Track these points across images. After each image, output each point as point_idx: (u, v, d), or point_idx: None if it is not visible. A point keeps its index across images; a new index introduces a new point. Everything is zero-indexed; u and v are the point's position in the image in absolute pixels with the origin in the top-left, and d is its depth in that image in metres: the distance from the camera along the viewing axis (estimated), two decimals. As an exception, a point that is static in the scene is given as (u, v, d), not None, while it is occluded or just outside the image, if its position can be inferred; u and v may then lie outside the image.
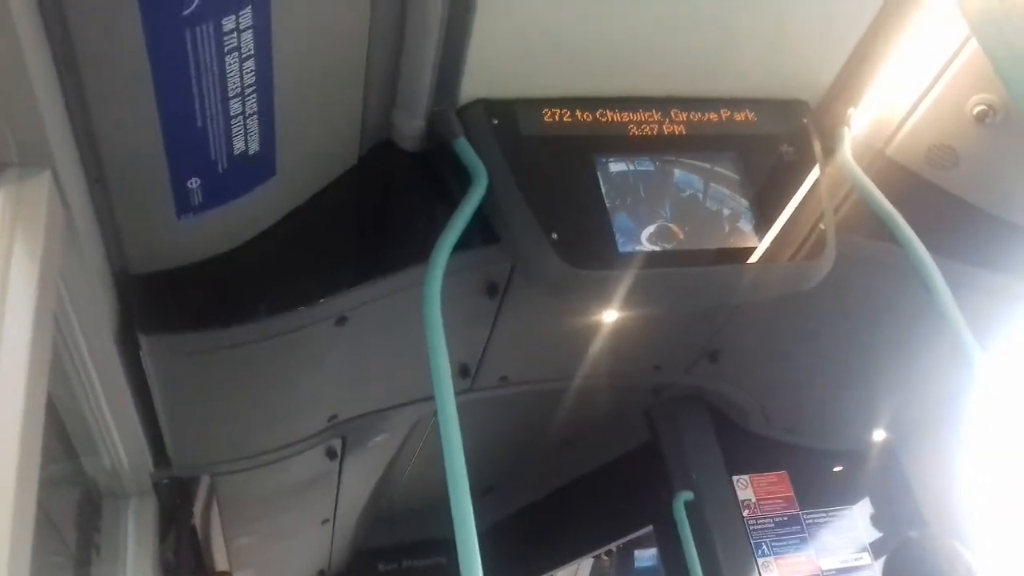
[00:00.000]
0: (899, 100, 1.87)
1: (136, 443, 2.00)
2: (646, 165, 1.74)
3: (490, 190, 1.61)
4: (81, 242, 1.40)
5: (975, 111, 1.81)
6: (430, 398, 1.46)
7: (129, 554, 2.20)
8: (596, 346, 2.36)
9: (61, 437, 1.88)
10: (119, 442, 1.94)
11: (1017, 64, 0.85)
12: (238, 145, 1.43)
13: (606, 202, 1.68)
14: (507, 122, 1.67)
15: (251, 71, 1.32)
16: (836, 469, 3.27)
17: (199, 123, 1.35)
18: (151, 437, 2.03)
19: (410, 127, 1.67)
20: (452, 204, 1.62)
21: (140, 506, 2.25)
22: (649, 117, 1.77)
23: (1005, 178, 1.95)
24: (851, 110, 1.86)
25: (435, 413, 1.45)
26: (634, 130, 1.75)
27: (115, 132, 1.32)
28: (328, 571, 4.05)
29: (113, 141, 1.34)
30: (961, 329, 1.65)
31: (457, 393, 1.45)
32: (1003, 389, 1.75)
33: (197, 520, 2.71)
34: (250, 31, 1.26)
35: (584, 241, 1.63)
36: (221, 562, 3.21)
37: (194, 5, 1.17)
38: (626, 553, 4.93)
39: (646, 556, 4.84)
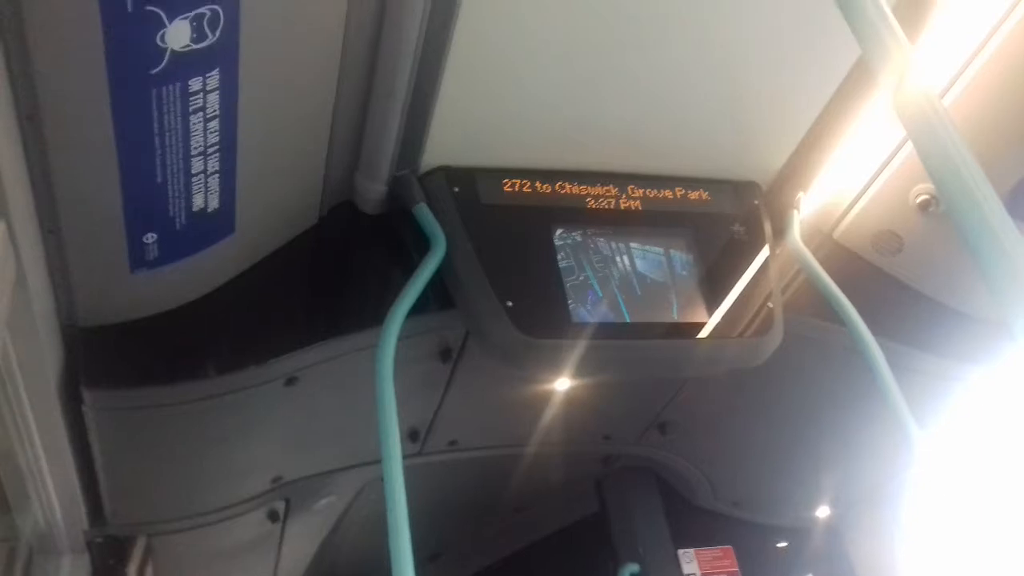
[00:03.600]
0: (846, 187, 1.94)
1: (72, 499, 1.95)
2: (602, 238, 1.78)
3: (448, 256, 1.63)
4: (30, 293, 1.38)
5: (918, 200, 1.88)
6: (378, 461, 1.44)
7: (59, 615, 2.12)
8: (547, 414, 2.37)
9: (-6, 492, 1.82)
10: (55, 498, 1.89)
11: (947, 165, 0.90)
12: (198, 202, 1.43)
13: (562, 272, 1.70)
14: (467, 190, 1.70)
15: (215, 131, 1.33)
16: (780, 545, 3.28)
17: (159, 179, 1.35)
18: (87, 493, 1.97)
19: (371, 191, 1.69)
20: (410, 268, 1.63)
21: (72, 565, 2.18)
22: (607, 192, 1.81)
23: (947, 265, 2.02)
24: (800, 194, 1.92)
25: (382, 477, 1.44)
26: (592, 203, 1.79)
27: (74, 186, 1.32)
28: (265, 637, 3.92)
29: (71, 194, 1.33)
30: (902, 409, 1.69)
31: (406, 457, 1.44)
32: (941, 469, 1.79)
33: (131, 581, 2.62)
34: (216, 92, 1.28)
35: (539, 310, 1.65)
36: (153, 625, 3.09)
37: (162, 65, 1.18)
38: (570, 625, 4.86)
39: (590, 628, 4.77)
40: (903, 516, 3.09)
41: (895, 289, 2.07)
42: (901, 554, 3.10)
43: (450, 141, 1.66)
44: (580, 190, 1.79)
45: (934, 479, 1.83)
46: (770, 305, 1.83)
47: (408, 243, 1.70)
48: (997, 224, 0.95)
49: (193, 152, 1.34)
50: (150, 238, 1.44)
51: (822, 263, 1.87)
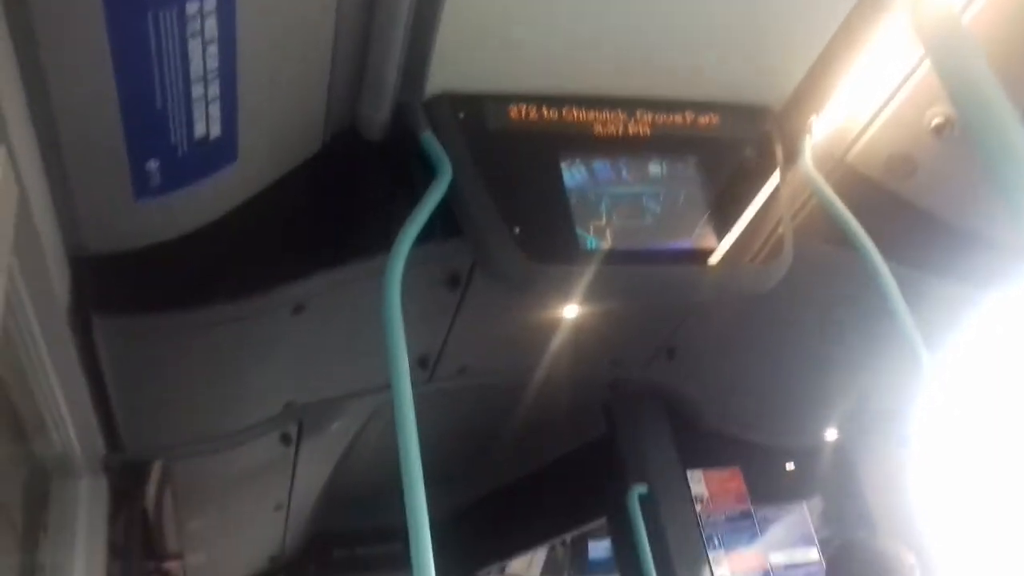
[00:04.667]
0: (860, 109, 1.90)
1: (88, 425, 1.98)
2: (610, 164, 1.75)
3: (454, 183, 1.61)
4: (35, 221, 1.38)
5: (933, 123, 1.84)
6: (388, 387, 1.46)
7: (79, 535, 2.17)
8: (555, 340, 2.38)
9: (9, 417, 1.85)
10: (70, 424, 1.92)
11: (967, 85, 0.87)
12: (199, 129, 1.41)
13: (569, 199, 1.68)
14: (473, 116, 1.67)
15: (214, 56, 1.31)
16: (788, 466, 3.32)
17: (159, 106, 1.33)
18: (103, 419, 2.01)
19: (375, 117, 1.67)
20: (415, 195, 1.62)
21: (91, 488, 2.23)
22: (615, 117, 1.78)
23: (961, 188, 1.99)
24: (813, 117, 1.88)
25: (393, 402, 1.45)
26: (599, 129, 1.76)
27: (73, 112, 1.30)
28: (282, 557, 4.04)
29: (71, 121, 1.32)
30: (912, 334, 1.68)
31: (415, 383, 1.45)
32: (950, 392, 1.79)
33: (149, 503, 2.69)
34: (214, 16, 1.25)
35: (546, 236, 1.64)
36: (173, 546, 3.19)
37: (157, -12, 1.15)
38: (580, 544, 4.98)
39: (600, 548, 4.90)
40: (912, 439, 3.12)
41: (908, 213, 2.05)
42: (910, 476, 3.13)
43: (454, 66, 1.62)
44: (588, 115, 1.76)
45: (943, 403, 1.83)
46: (780, 230, 1.81)
47: (413, 170, 1.69)
48: (1019, 145, 0.93)
49: (193, 78, 1.32)
50: (152, 165, 1.43)
51: (834, 187, 1.85)
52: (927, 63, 1.74)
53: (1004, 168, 0.91)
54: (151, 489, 2.59)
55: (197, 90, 1.35)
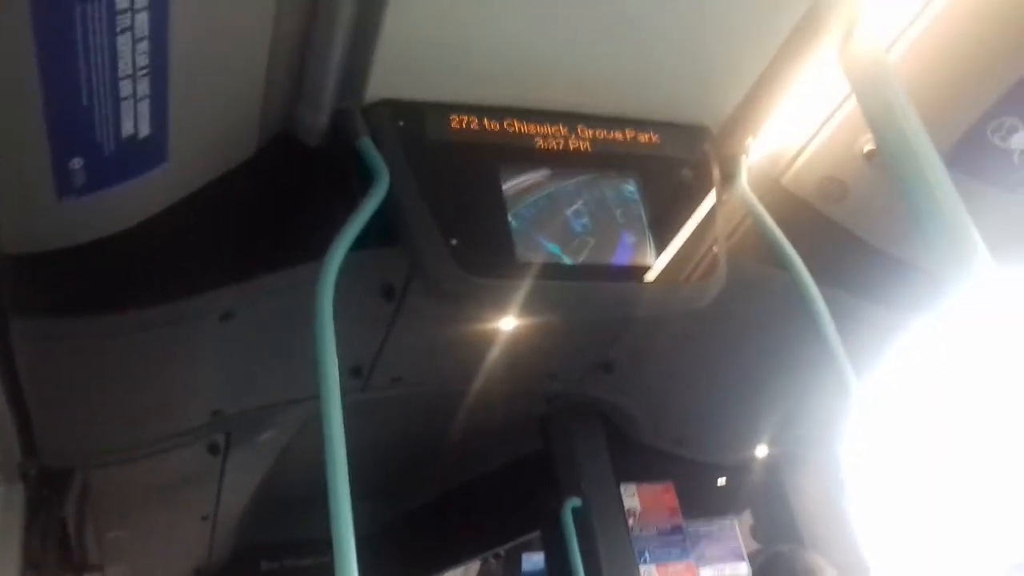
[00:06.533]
0: (795, 133, 1.93)
1: (3, 431, 1.91)
2: (549, 178, 1.75)
3: (391, 192, 1.59)
4: (-50, 218, 1.32)
5: (864, 149, 1.88)
6: (319, 396, 1.43)
7: (-8, 543, 2.10)
8: (492, 352, 2.37)
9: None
10: (-17, 429, 1.85)
11: (889, 119, 0.89)
12: (127, 128, 1.37)
13: (508, 212, 1.67)
14: (413, 125, 1.65)
15: (144, 53, 1.27)
16: (720, 482, 3.36)
17: (85, 102, 1.28)
18: (20, 424, 1.93)
19: (313, 122, 1.63)
20: (352, 203, 1.59)
21: (6, 495, 2.15)
22: (556, 131, 1.78)
23: (890, 214, 2.03)
24: (750, 139, 1.91)
25: (325, 412, 1.42)
26: (540, 143, 1.76)
27: (-7, 105, 1.25)
28: (208, 568, 3.94)
29: (-9, 114, 1.27)
30: (839, 354, 1.71)
31: (348, 392, 1.43)
32: (877, 416, 1.83)
33: (69, 511, 2.59)
34: (145, 12, 1.21)
35: (483, 249, 1.63)
36: (93, 556, 3.08)
37: (85, -20, 1.12)
38: (514, 557, 4.96)
39: (533, 560, 4.88)
40: (840, 458, 3.18)
41: (839, 236, 2.09)
42: (837, 494, 3.19)
43: (396, 72, 1.60)
44: (529, 128, 1.75)
45: (869, 425, 1.87)
46: (715, 250, 1.83)
47: (350, 178, 1.66)
48: (934, 179, 0.95)
49: (121, 75, 1.28)
50: (77, 163, 1.38)
51: (769, 209, 1.87)
52: (860, 90, 1.78)
53: (920, 199, 0.93)
54: (71, 498, 2.51)
55: (125, 88, 1.30)
